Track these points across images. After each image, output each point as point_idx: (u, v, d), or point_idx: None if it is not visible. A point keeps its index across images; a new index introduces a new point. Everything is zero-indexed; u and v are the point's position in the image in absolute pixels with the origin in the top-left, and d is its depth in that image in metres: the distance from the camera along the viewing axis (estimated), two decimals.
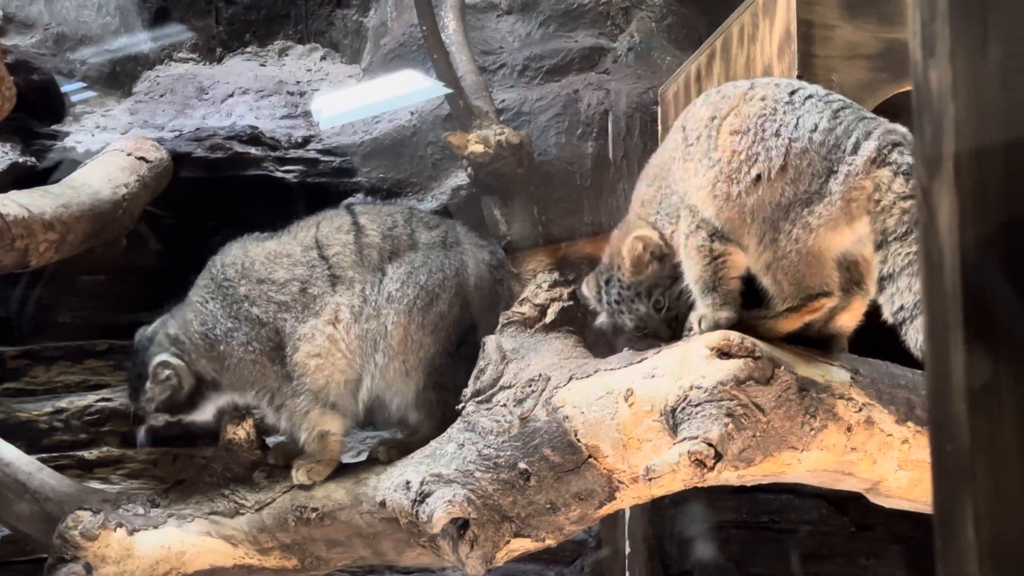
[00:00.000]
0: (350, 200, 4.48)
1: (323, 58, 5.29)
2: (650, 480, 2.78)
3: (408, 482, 3.27)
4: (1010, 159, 1.33)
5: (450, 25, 4.04)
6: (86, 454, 4.32)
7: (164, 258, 4.44)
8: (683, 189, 3.03)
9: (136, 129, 4.73)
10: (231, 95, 4.97)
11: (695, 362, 2.92)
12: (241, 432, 3.59)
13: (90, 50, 5.06)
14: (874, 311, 2.86)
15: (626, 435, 3.02)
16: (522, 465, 3.17)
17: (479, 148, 3.75)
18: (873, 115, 2.88)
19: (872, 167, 2.77)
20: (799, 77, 3.24)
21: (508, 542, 3.22)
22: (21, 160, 4.33)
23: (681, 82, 4.23)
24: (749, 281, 3.01)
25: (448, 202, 4.51)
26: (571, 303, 3.56)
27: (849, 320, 3.03)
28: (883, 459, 3.02)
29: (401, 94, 4.80)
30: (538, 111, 4.60)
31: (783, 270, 2.88)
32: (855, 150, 2.79)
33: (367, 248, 3.60)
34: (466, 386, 3.40)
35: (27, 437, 4.18)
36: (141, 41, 5.20)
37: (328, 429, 3.55)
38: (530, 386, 3.25)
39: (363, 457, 3.80)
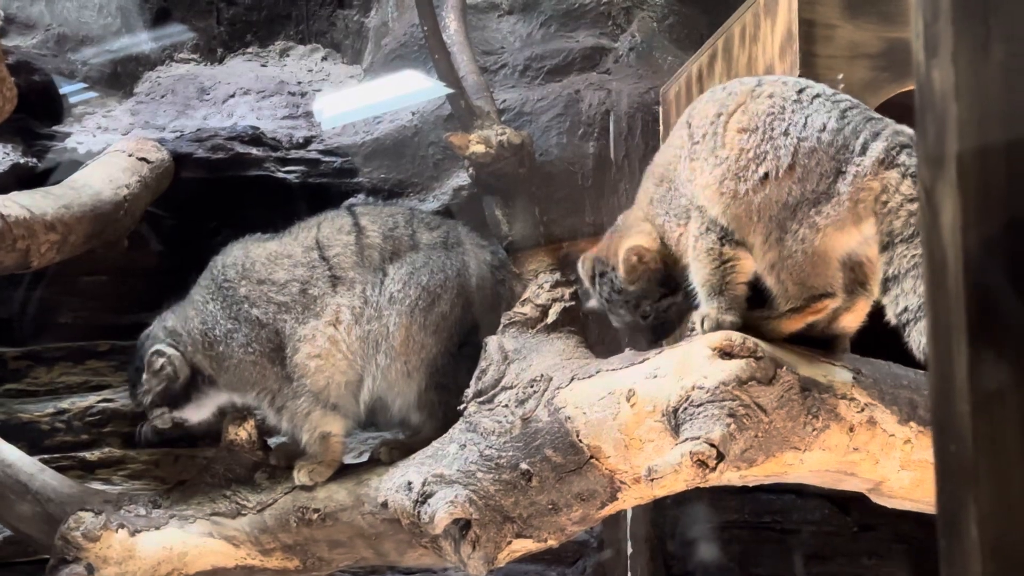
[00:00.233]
0: (351, 201, 4.48)
1: (324, 58, 5.29)
2: (652, 480, 2.78)
3: (410, 483, 3.27)
4: (1013, 159, 1.33)
5: (451, 25, 4.04)
6: (88, 455, 4.32)
7: (165, 259, 4.44)
8: (691, 190, 3.02)
9: (137, 130, 4.73)
10: (232, 96, 4.97)
11: (697, 362, 2.92)
12: (243, 433, 3.59)
13: (91, 51, 5.06)
14: (877, 311, 2.86)
15: (628, 435, 3.02)
16: (524, 466, 3.17)
17: (480, 148, 3.75)
18: (880, 116, 2.88)
19: (880, 168, 2.76)
20: (801, 76, 3.23)
21: (510, 543, 3.22)
22: (22, 161, 4.33)
23: (683, 82, 4.23)
24: (752, 281, 3.01)
25: (449, 202, 4.51)
26: (573, 303, 3.56)
27: (852, 321, 3.02)
28: (885, 459, 3.02)
29: (402, 94, 4.80)
30: (539, 111, 4.59)
31: (788, 270, 2.88)
32: (863, 151, 2.79)
33: (368, 249, 3.60)
34: (468, 387, 3.40)
35: (29, 438, 4.18)
36: (142, 42, 5.20)
37: (329, 430, 3.55)
38: (532, 386, 3.25)
39: (365, 458, 3.80)
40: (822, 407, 2.92)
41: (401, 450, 3.48)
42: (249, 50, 5.31)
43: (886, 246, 2.74)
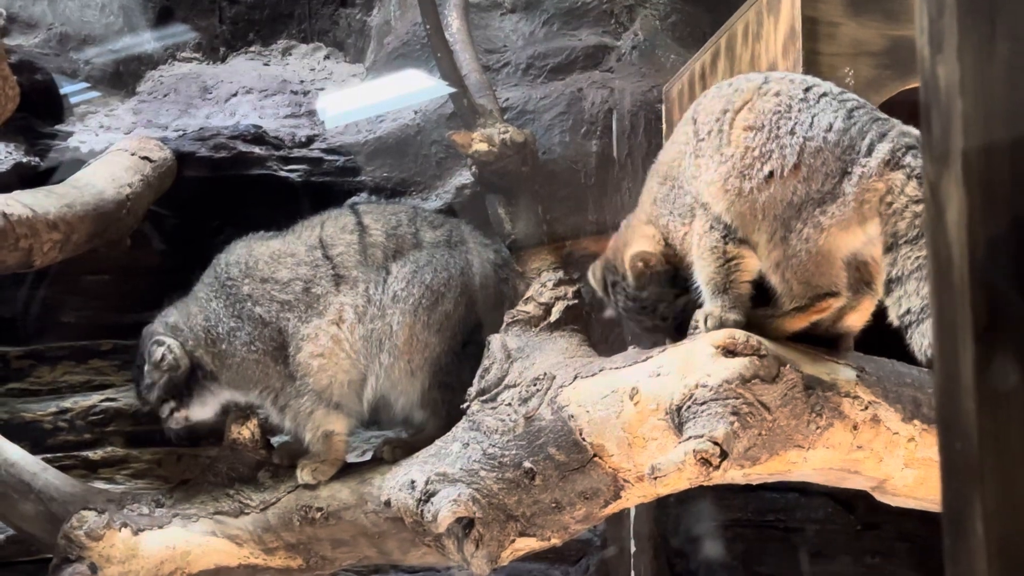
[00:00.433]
0: (354, 199, 4.48)
1: (327, 57, 5.28)
2: (655, 479, 2.77)
3: (413, 481, 3.26)
4: (1018, 155, 1.33)
5: (454, 24, 4.03)
6: (91, 454, 4.32)
7: (168, 258, 4.44)
8: (696, 188, 3.01)
9: (140, 129, 4.72)
10: (235, 94, 4.96)
11: (700, 360, 2.91)
12: (246, 432, 3.58)
13: (94, 50, 5.06)
14: (882, 310, 2.85)
15: (631, 434, 3.01)
16: (527, 464, 3.16)
17: (483, 147, 3.75)
18: (887, 116, 2.87)
19: (886, 169, 2.76)
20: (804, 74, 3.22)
21: (513, 541, 3.22)
22: (25, 160, 4.33)
23: (685, 80, 4.22)
24: (756, 280, 3.00)
25: (452, 201, 4.51)
26: (576, 302, 3.56)
27: (857, 320, 3.02)
28: (889, 457, 3.01)
29: (405, 93, 4.79)
30: (542, 109, 4.59)
31: (792, 269, 2.87)
32: (869, 151, 2.79)
33: (371, 247, 3.59)
34: (471, 385, 3.40)
35: (32, 437, 4.18)
36: (145, 41, 5.20)
37: (332, 429, 3.55)
38: (535, 385, 3.25)
39: (368, 457, 3.79)
40: (826, 405, 2.92)
41: (404, 449, 3.48)
42: (252, 49, 5.31)
43: (890, 247, 2.74)
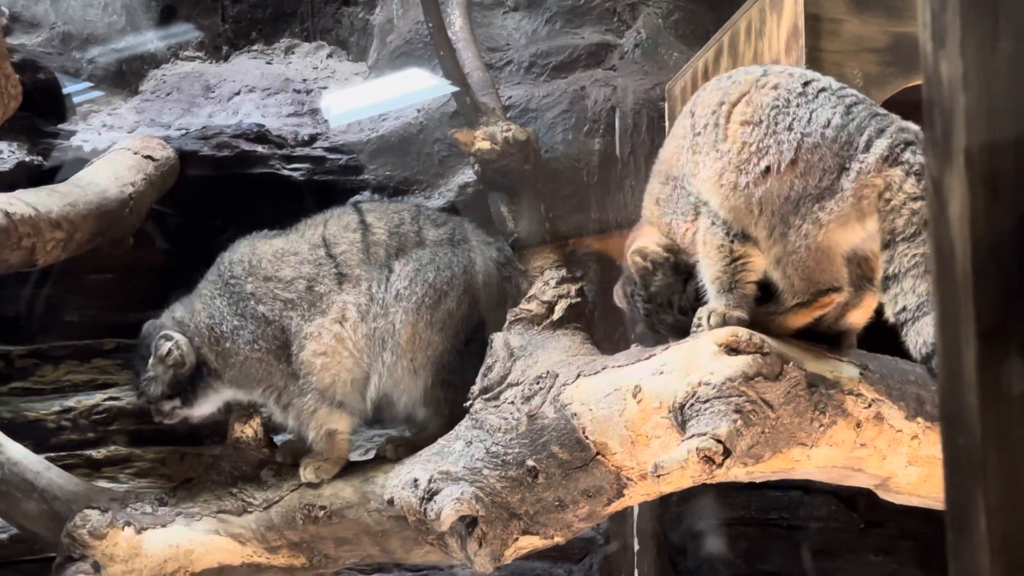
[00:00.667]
0: (357, 198, 4.48)
1: (329, 56, 5.28)
2: (659, 477, 2.77)
3: (416, 480, 3.26)
4: (1021, 151, 1.32)
5: (456, 22, 4.03)
6: (94, 453, 4.32)
7: (171, 256, 4.45)
8: (696, 185, 3.01)
9: (143, 128, 4.73)
10: (237, 93, 4.97)
11: (703, 358, 2.91)
12: (249, 430, 3.58)
13: (96, 49, 5.07)
14: (883, 308, 2.85)
15: (634, 432, 3.01)
16: (530, 462, 3.16)
17: (486, 145, 3.75)
18: (886, 112, 2.86)
19: (884, 166, 2.75)
20: None
21: (516, 539, 3.22)
22: (28, 159, 4.34)
23: (688, 78, 4.22)
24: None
25: (455, 199, 4.51)
26: (578, 300, 3.56)
27: (860, 317, 3.01)
28: (892, 455, 3.01)
29: (408, 91, 4.80)
30: (545, 108, 4.59)
31: (793, 264, 2.87)
32: (867, 147, 2.78)
33: (374, 246, 3.59)
34: (474, 384, 3.40)
35: (35, 436, 4.19)
36: (147, 40, 5.20)
37: (336, 427, 3.55)
38: (538, 383, 3.24)
39: (371, 455, 3.80)
40: (829, 403, 2.92)
41: (407, 447, 3.48)
42: (254, 48, 5.31)
43: (887, 244, 2.73)
